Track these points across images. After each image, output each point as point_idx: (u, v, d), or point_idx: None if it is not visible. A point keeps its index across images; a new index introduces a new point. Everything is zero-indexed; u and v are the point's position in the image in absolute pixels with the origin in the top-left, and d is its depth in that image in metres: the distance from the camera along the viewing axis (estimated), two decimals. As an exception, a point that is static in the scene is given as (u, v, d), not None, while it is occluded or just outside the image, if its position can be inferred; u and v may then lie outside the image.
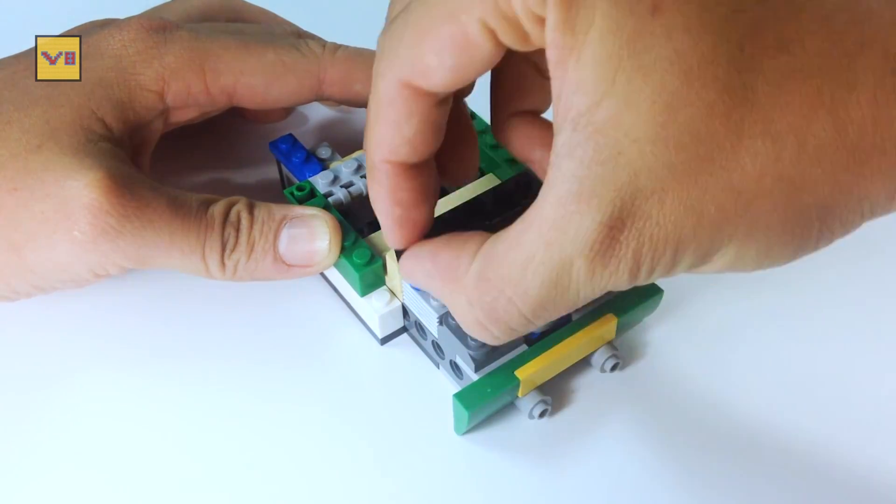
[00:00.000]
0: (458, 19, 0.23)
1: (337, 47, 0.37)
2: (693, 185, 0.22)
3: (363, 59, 0.37)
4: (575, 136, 0.22)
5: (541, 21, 0.22)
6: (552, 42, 0.22)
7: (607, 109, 0.21)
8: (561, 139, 0.22)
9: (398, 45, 0.25)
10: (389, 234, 0.29)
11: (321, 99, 0.37)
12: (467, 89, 0.29)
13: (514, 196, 0.35)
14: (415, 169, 0.27)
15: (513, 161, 0.37)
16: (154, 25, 0.34)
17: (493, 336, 0.26)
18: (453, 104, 0.28)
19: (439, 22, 0.23)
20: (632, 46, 0.21)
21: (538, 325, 0.25)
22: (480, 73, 0.25)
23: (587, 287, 0.23)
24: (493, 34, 0.23)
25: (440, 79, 0.24)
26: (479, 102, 0.39)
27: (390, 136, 0.26)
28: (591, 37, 0.21)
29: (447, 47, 0.23)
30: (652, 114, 0.21)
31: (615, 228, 0.22)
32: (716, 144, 0.21)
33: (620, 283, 0.23)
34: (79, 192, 0.30)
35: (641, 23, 0.21)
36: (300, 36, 0.39)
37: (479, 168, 0.38)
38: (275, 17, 0.41)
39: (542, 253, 0.23)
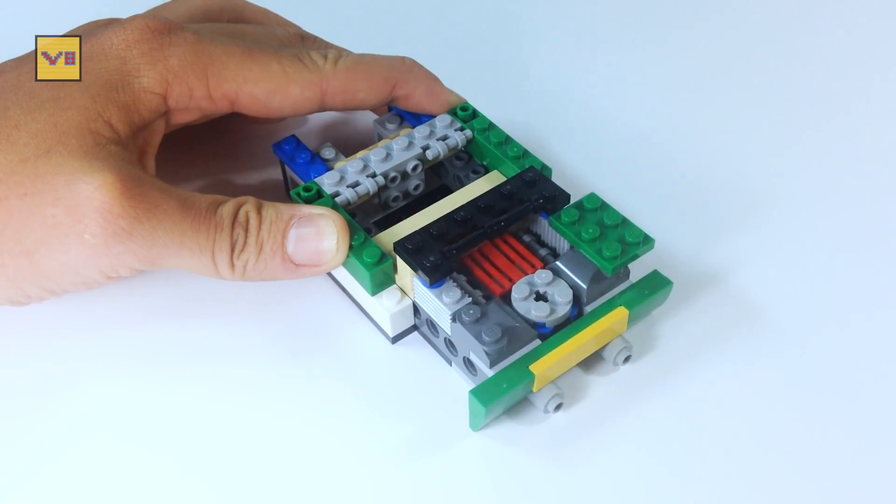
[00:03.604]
0: None
1: (339, 56, 0.36)
2: None
3: (365, 66, 0.37)
4: None
5: None
6: None
7: None
8: None
9: None
10: None
11: (323, 110, 0.37)
12: None
13: (519, 193, 0.35)
14: None
15: (517, 158, 0.37)
16: (158, 26, 0.34)
17: None
18: None
19: None
20: None
21: None
22: None
23: None
24: None
25: None
26: (479, 102, 0.40)
27: None
28: None
29: None
30: None
31: None
32: None
33: None
34: (89, 195, 0.30)
35: None
36: (303, 38, 0.39)
37: (483, 165, 0.38)
38: (276, 17, 0.41)
39: None
